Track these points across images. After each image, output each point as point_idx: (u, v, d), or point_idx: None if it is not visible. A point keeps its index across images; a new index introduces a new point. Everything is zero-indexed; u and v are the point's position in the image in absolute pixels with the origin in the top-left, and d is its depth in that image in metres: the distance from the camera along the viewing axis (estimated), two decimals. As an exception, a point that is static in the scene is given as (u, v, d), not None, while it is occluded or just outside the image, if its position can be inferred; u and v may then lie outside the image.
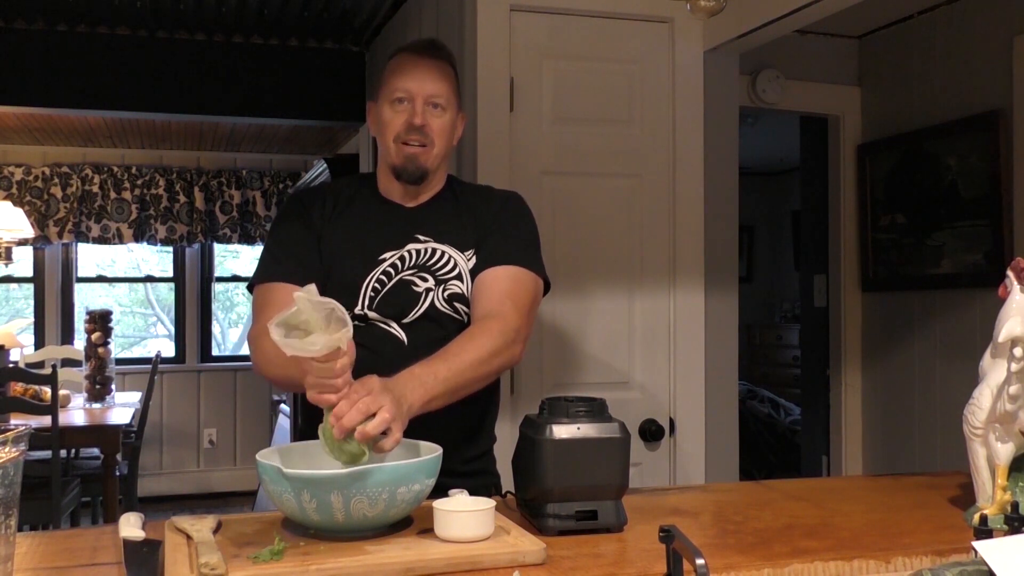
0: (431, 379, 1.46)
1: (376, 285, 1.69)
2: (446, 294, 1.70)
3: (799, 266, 5.49)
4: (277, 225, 1.82)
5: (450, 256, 1.73)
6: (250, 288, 1.76)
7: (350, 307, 1.69)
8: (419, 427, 1.43)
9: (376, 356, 1.46)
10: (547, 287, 1.79)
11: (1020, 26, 3.22)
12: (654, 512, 1.46)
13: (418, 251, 1.72)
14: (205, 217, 6.48)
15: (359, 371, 1.34)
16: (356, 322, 1.68)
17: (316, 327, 1.22)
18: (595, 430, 1.34)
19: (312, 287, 1.23)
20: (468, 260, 1.73)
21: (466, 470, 1.69)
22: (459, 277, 1.72)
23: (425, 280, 1.70)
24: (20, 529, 1.07)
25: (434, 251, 1.73)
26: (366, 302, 1.69)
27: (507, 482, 1.52)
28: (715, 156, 2.90)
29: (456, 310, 1.70)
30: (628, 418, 1.50)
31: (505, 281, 1.69)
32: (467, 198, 1.82)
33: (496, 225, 1.76)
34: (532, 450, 1.34)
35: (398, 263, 1.71)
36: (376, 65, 4.34)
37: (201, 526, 1.28)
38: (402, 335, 1.68)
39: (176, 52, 4.33)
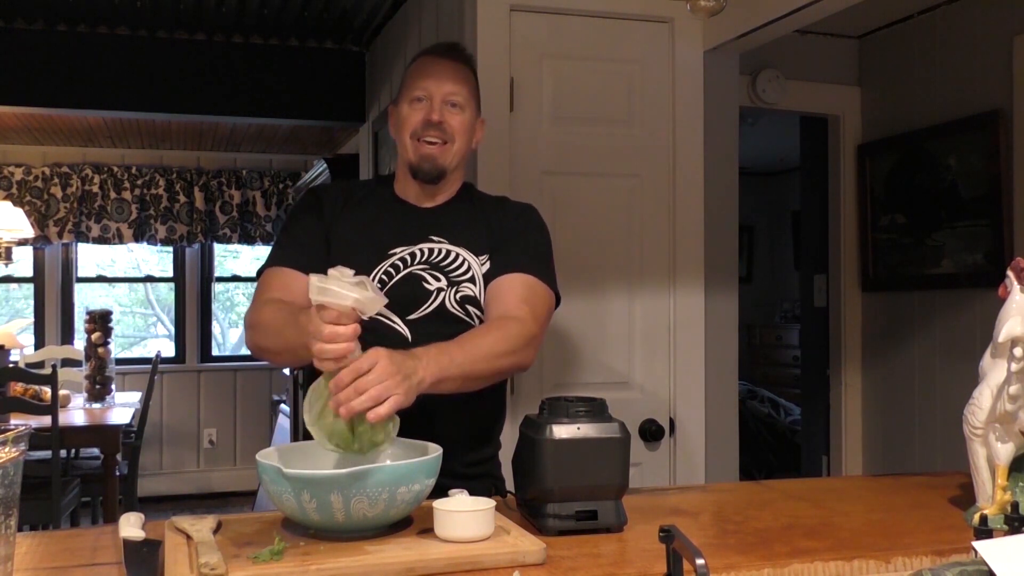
0: (447, 360, 1.46)
1: (383, 277, 1.68)
2: (458, 296, 1.69)
3: (799, 266, 5.49)
4: (290, 216, 1.84)
5: (464, 258, 1.72)
6: (258, 275, 1.78)
7: None
8: (425, 429, 1.43)
9: None
10: (557, 302, 1.79)
11: (1020, 26, 3.22)
12: (654, 512, 1.46)
13: (431, 250, 1.72)
14: (205, 217, 6.48)
15: None
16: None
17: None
18: (595, 430, 1.33)
19: (347, 271, 1.29)
20: (482, 264, 1.73)
21: (469, 473, 1.68)
22: (472, 280, 1.71)
23: (438, 280, 1.69)
24: (20, 529, 1.07)
25: (448, 252, 1.72)
26: None
27: (507, 482, 1.52)
28: (715, 156, 2.90)
29: (468, 312, 1.70)
30: (628, 418, 1.50)
31: (522, 288, 1.68)
32: (483, 205, 1.82)
33: (513, 234, 1.76)
34: (532, 450, 1.34)
35: (408, 258, 1.71)
36: (376, 65, 4.35)
37: (201, 526, 1.28)
38: (406, 332, 1.66)
39: (176, 52, 4.33)
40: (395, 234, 1.73)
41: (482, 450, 1.77)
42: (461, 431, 1.64)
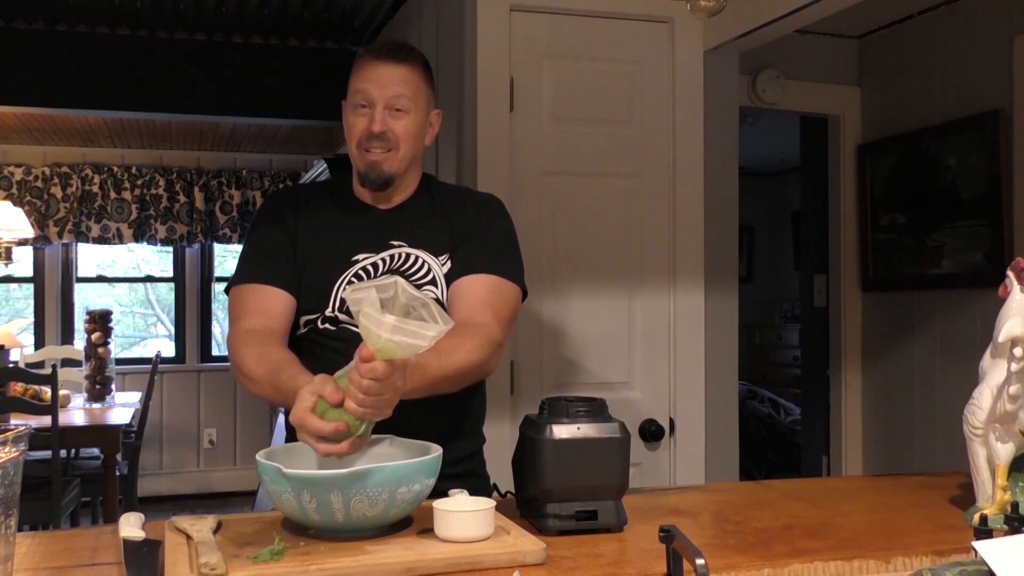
0: (421, 372, 1.44)
1: (347, 286, 1.67)
2: None
3: (799, 266, 5.49)
4: (252, 228, 1.80)
5: (424, 261, 1.71)
6: (227, 291, 1.74)
7: (320, 309, 1.68)
8: (402, 429, 1.42)
9: (346, 360, 1.37)
10: (524, 294, 1.77)
11: (1020, 26, 3.22)
12: (654, 512, 1.46)
13: (393, 256, 1.71)
14: (205, 217, 6.48)
15: (330, 373, 1.34)
16: (326, 324, 1.68)
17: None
18: (595, 430, 1.33)
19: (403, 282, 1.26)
20: (443, 265, 1.72)
21: (452, 472, 1.61)
22: (433, 282, 1.70)
23: None
24: (20, 529, 1.07)
25: (408, 256, 1.71)
26: (336, 303, 1.67)
27: (507, 482, 1.52)
28: (715, 156, 2.90)
29: None
30: (628, 418, 1.50)
31: (484, 291, 1.67)
32: (443, 201, 1.79)
33: (474, 230, 1.74)
34: (532, 450, 1.34)
35: (371, 269, 1.69)
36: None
37: (201, 526, 1.28)
38: None
39: (176, 52, 4.34)
40: (357, 240, 1.72)
41: (461, 447, 1.74)
42: (436, 430, 1.53)
